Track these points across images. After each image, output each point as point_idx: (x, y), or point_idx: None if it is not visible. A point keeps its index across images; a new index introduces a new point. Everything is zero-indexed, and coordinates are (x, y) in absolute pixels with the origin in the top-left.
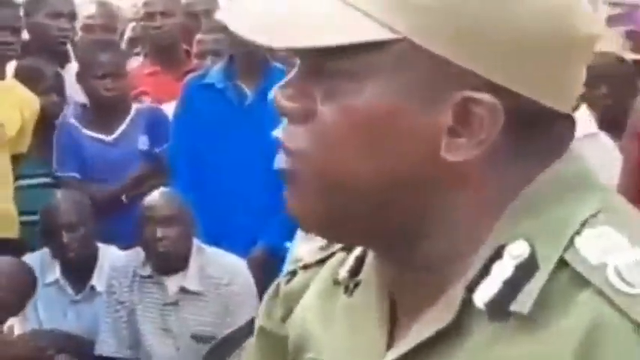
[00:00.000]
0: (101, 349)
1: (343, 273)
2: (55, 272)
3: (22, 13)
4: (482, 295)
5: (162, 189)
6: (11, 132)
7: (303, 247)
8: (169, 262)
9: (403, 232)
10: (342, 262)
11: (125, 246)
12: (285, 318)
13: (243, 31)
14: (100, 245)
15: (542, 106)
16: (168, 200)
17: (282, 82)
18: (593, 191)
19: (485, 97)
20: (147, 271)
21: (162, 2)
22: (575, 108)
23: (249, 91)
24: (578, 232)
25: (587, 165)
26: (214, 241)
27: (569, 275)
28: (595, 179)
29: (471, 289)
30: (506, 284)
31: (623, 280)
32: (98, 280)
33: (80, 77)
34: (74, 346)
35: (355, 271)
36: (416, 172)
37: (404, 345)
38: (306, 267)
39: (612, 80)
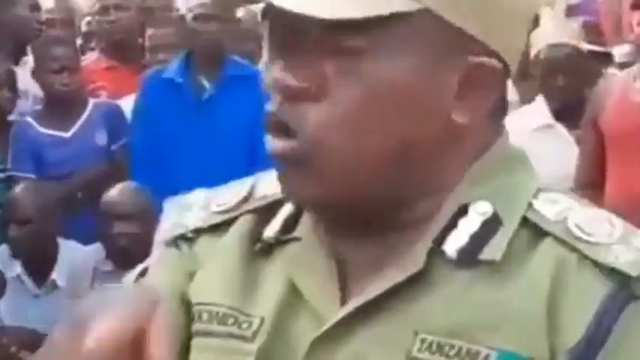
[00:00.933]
0: None
1: (270, 232)
2: (17, 267)
3: None
4: (452, 245)
5: (122, 184)
6: None
7: (187, 215)
8: (130, 257)
9: (403, 197)
10: (259, 224)
11: (86, 241)
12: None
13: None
14: (60, 240)
15: (509, 79)
16: (128, 196)
17: (284, 63)
18: (532, 168)
19: (493, 61)
20: (108, 266)
21: None
22: (531, 99)
23: (207, 85)
24: (534, 197)
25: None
26: None
27: (531, 230)
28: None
29: (439, 241)
30: (474, 237)
31: (582, 230)
32: (59, 275)
33: (35, 73)
34: (39, 343)
35: (286, 230)
36: (429, 135)
37: (366, 294)
38: (198, 231)
39: (569, 71)
